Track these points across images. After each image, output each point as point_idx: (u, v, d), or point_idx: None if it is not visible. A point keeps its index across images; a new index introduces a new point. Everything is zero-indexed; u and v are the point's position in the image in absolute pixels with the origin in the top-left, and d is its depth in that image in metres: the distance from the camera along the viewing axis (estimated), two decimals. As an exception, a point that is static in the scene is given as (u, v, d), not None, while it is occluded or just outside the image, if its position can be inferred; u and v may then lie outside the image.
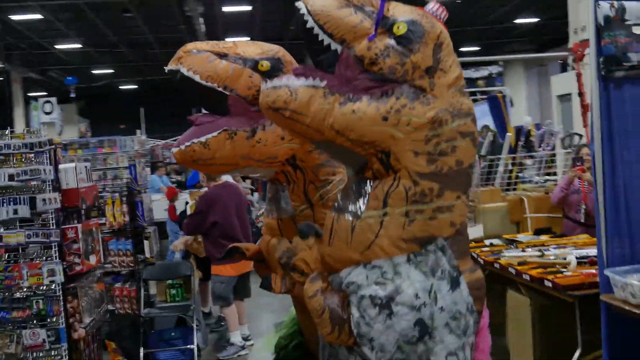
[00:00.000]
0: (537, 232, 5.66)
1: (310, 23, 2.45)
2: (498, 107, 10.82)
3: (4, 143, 4.51)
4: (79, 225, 4.63)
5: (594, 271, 4.10)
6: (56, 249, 4.54)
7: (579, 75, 6.71)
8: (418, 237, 2.48)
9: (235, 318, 6.31)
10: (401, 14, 2.50)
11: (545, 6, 24.54)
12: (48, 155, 4.55)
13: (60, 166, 4.74)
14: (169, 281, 6.40)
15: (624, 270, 3.59)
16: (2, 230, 4.46)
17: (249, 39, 25.63)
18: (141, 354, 5.90)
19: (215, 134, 2.98)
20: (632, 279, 3.46)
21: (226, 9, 20.61)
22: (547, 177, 7.54)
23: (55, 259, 4.53)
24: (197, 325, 6.02)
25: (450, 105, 2.51)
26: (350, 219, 2.55)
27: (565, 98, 8.87)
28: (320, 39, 2.47)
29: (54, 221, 4.50)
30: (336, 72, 2.50)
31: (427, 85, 2.48)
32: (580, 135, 6.79)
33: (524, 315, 4.61)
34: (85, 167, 5.10)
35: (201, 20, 18.86)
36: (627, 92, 3.77)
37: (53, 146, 4.62)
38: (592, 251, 4.60)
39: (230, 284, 6.25)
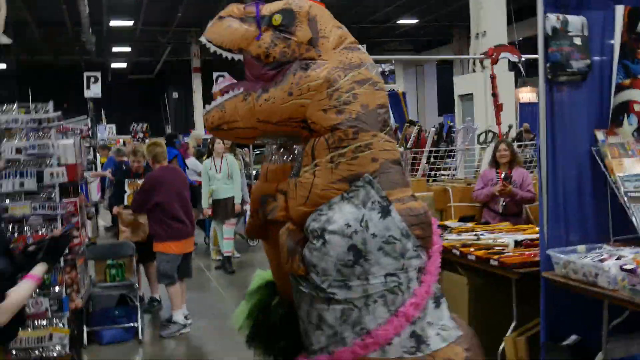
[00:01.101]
0: (462, 219, 6.17)
1: (212, 48, 3.08)
2: (398, 103, 11.47)
3: (12, 118, 4.50)
4: (78, 199, 4.67)
5: (531, 252, 4.61)
6: (60, 221, 4.57)
7: (493, 77, 7.31)
8: (345, 176, 2.91)
9: (179, 296, 6.40)
10: (274, 8, 3.10)
11: (424, 9, 25.76)
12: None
13: (60, 142, 4.73)
14: (109, 261, 6.41)
15: (562, 251, 4.10)
16: (7, 202, 4.46)
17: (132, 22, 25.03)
18: (84, 332, 5.89)
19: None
20: (573, 257, 3.97)
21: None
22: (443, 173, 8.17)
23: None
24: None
25: (340, 62, 3.00)
26: (294, 178, 3.05)
27: (466, 97, 9.54)
28: (224, 56, 3.07)
29: (58, 194, 4.56)
30: (247, 76, 3.08)
31: (315, 54, 3.02)
32: (494, 133, 7.42)
33: (461, 294, 5.06)
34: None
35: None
36: (567, 95, 4.29)
37: (61, 122, 4.62)
38: (521, 236, 5.14)
39: (175, 262, 6.35)
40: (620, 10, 4.32)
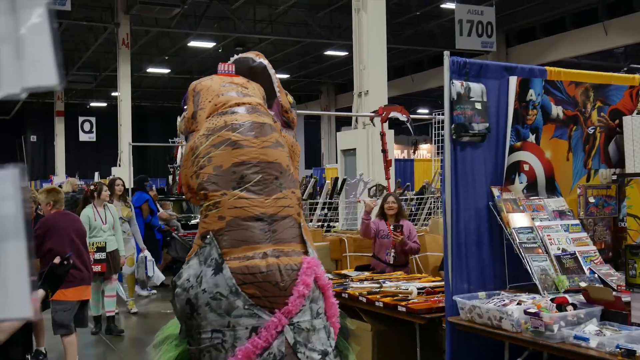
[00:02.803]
0: (358, 268, 6.44)
1: None
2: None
3: None
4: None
5: (434, 298, 4.93)
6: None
7: (383, 135, 7.75)
8: (201, 233, 3.17)
9: (74, 348, 6.11)
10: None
11: (295, 65, 26.59)
12: None
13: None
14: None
15: (465, 297, 4.44)
16: None
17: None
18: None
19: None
20: (477, 303, 4.31)
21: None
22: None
23: None
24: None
25: (207, 129, 3.30)
26: None
27: (349, 152, 9.95)
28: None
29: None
30: None
31: (195, 126, 3.38)
32: (384, 187, 7.80)
33: (365, 341, 5.27)
34: None
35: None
36: (469, 154, 4.71)
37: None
38: (420, 284, 5.47)
39: (72, 310, 6.07)
40: (513, 81, 4.83)
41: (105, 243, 8.00)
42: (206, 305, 2.96)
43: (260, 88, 3.62)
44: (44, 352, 6.90)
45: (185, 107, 3.51)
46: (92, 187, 8.95)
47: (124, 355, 7.17)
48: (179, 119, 3.70)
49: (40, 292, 2.91)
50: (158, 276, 9.08)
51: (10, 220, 1.01)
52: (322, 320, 3.17)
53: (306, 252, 3.21)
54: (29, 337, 2.94)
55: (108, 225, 8.10)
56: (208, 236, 3.06)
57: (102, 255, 7.95)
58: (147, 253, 9.08)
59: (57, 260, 2.90)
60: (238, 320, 2.95)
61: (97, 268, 7.76)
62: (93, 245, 7.84)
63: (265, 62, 3.60)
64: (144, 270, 8.83)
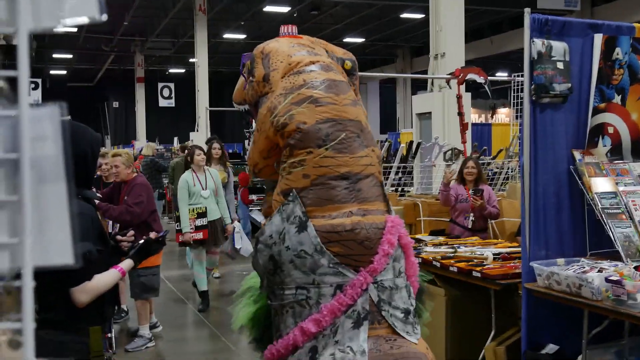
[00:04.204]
0: (433, 233, 6.37)
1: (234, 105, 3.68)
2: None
3: None
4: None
5: (510, 264, 4.82)
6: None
7: (459, 97, 7.58)
8: (283, 190, 3.13)
9: (147, 310, 6.32)
10: (248, 57, 3.50)
11: (370, 28, 26.26)
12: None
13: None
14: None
15: (543, 263, 4.31)
16: None
17: None
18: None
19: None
20: (556, 269, 4.18)
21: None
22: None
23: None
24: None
25: (283, 88, 3.22)
26: None
27: (424, 116, 9.79)
28: (238, 109, 3.70)
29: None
30: None
31: (268, 88, 3.30)
32: (460, 151, 7.66)
33: (439, 306, 5.22)
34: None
35: None
36: (549, 116, 4.54)
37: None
38: (496, 249, 5.36)
39: (159, 274, 6.29)
40: (598, 39, 4.59)
41: (206, 208, 7.44)
42: (290, 262, 2.98)
43: (325, 45, 3.57)
44: (126, 309, 7.15)
45: (245, 72, 3.50)
46: (187, 151, 8.45)
47: (207, 319, 7.33)
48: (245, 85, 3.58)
49: (129, 262, 2.93)
50: (247, 248, 8.03)
51: (49, 161, 0.99)
52: (403, 279, 3.17)
53: (388, 211, 3.21)
54: (116, 295, 3.01)
55: (208, 191, 7.48)
56: (291, 194, 3.05)
57: (204, 222, 7.41)
58: (237, 224, 8.46)
59: (153, 235, 2.94)
60: (323, 278, 2.96)
61: (198, 235, 7.32)
62: (193, 211, 7.34)
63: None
64: (230, 243, 8.06)
